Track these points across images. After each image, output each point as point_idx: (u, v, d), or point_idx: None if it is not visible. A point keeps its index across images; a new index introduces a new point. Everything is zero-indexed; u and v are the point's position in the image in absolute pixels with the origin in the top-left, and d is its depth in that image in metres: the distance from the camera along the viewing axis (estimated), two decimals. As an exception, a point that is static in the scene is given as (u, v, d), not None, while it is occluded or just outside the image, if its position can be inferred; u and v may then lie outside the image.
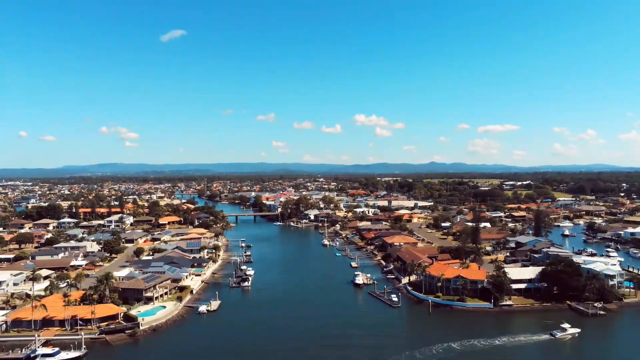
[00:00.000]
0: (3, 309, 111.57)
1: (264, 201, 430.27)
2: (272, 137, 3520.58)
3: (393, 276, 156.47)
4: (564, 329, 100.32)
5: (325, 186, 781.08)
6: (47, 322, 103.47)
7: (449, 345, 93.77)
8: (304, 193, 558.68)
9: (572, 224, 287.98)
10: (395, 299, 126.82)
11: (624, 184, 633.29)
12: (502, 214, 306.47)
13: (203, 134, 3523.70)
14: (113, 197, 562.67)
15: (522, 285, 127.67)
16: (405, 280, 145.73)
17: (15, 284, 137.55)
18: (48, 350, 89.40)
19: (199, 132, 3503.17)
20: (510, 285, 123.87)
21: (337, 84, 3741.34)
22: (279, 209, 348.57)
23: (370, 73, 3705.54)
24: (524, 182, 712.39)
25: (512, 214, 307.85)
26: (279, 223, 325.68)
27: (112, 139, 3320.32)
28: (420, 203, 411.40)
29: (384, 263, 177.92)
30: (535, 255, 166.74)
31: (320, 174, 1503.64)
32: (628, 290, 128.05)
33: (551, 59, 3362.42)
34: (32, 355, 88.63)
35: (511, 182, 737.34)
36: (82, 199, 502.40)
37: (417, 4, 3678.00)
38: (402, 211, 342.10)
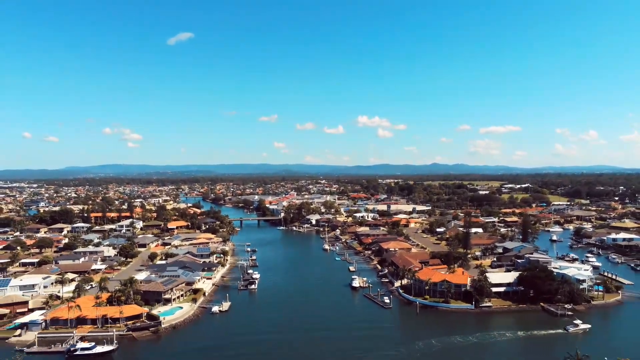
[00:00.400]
0: (42, 309, 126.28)
1: (267, 205, 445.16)
2: (274, 138, 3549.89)
3: (387, 280, 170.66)
4: (577, 325, 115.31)
5: (327, 189, 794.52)
6: (80, 321, 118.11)
7: (431, 341, 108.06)
8: (306, 197, 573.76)
9: (561, 229, 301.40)
10: (387, 301, 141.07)
11: (622, 187, 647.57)
12: (495, 219, 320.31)
13: (205, 135, 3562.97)
14: (120, 200, 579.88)
15: (502, 289, 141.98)
16: (397, 283, 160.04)
17: (45, 287, 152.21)
18: (86, 344, 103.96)
19: (201, 133, 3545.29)
20: (491, 288, 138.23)
21: (340, 85, 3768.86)
22: (282, 214, 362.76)
23: (373, 74, 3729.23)
24: (523, 185, 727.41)
25: (505, 219, 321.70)
26: (282, 227, 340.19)
27: (115, 140, 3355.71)
28: (419, 207, 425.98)
29: (379, 267, 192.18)
30: (519, 260, 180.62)
31: (321, 175, 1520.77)
32: (597, 293, 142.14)
33: (552, 60, 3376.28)
34: (72, 349, 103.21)
35: (510, 185, 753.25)
36: (90, 202, 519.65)
37: (418, 4, 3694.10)
38: (400, 215, 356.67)
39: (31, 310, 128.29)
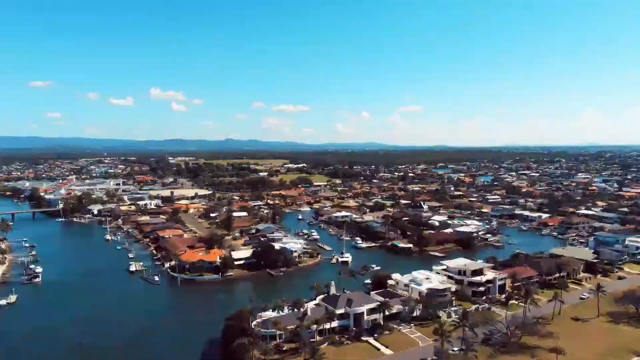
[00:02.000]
0: None
1: (42, 194, 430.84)
2: (46, 108, 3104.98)
3: (160, 262, 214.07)
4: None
5: (112, 171, 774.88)
6: None
7: (187, 305, 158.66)
8: (87, 182, 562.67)
9: (310, 209, 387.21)
10: (157, 279, 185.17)
11: (374, 166, 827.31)
12: (261, 203, 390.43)
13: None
14: None
15: (242, 262, 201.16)
16: (167, 265, 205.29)
17: None
18: None
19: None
20: (234, 262, 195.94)
21: (131, 53, 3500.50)
22: (61, 205, 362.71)
23: (168, 46, 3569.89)
24: (300, 165, 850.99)
25: (269, 202, 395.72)
26: (61, 219, 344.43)
27: None
28: (201, 192, 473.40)
29: (155, 252, 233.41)
30: (263, 238, 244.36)
31: (107, 152, 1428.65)
32: (304, 259, 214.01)
33: (333, 47, 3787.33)
34: None
35: (289, 165, 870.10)
36: None
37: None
38: (182, 201, 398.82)
39: None
